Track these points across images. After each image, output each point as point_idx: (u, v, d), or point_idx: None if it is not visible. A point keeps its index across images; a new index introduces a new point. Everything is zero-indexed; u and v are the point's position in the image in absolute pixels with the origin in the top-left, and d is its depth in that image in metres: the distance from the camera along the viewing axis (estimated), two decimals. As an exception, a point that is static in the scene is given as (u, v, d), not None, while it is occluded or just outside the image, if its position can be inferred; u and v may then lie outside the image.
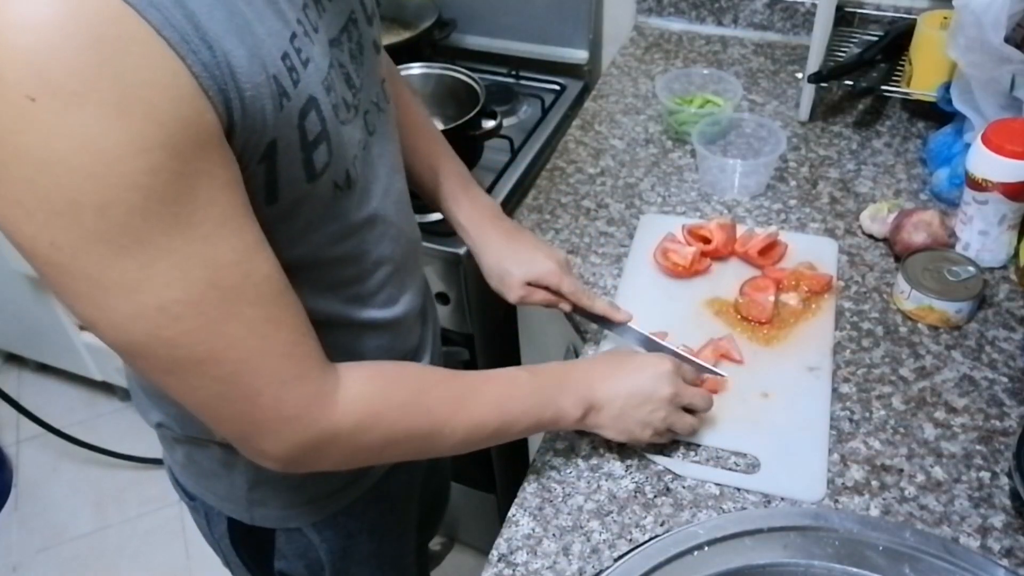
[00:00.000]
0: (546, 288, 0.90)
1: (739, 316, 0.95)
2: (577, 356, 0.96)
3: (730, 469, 0.81)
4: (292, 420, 0.57)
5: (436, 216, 1.19)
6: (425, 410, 0.66)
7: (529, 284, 0.89)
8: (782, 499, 0.78)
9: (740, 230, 1.05)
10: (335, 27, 0.61)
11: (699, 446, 0.83)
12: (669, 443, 0.82)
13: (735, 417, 0.85)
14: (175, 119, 0.45)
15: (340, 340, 0.66)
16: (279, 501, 0.79)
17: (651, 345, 0.88)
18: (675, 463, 0.81)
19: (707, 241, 1.03)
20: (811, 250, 1.03)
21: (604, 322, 0.91)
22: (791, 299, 0.96)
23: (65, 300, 0.50)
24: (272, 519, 0.80)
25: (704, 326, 0.95)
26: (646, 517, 0.78)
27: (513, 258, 0.89)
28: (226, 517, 0.82)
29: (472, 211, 0.91)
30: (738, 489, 0.79)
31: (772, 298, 0.94)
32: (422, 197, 0.92)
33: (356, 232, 0.67)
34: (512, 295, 0.90)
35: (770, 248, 1.02)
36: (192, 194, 0.47)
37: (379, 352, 0.75)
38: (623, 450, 0.83)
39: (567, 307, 0.91)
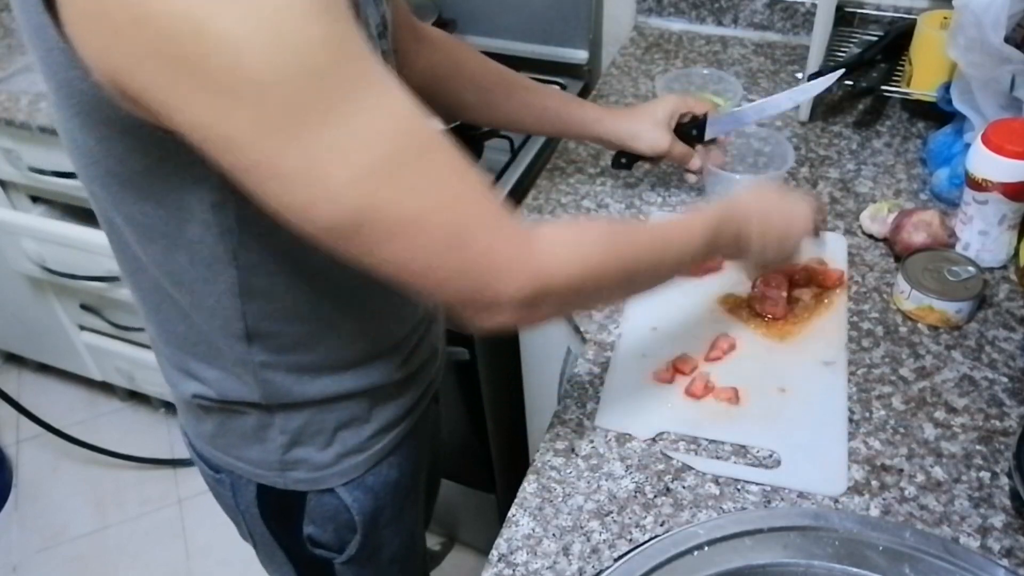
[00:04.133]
0: (688, 115, 1.04)
1: (753, 312, 0.96)
2: (577, 357, 0.96)
3: (751, 465, 0.81)
4: (515, 254, 0.58)
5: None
6: (625, 241, 0.68)
7: (668, 125, 1.03)
8: (799, 494, 0.78)
9: None
10: None
11: (719, 442, 0.83)
12: (689, 440, 0.82)
13: (753, 413, 0.85)
14: None
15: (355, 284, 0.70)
16: (312, 462, 0.80)
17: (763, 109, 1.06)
18: (696, 460, 0.81)
19: None
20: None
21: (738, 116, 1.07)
22: (804, 295, 0.97)
23: (281, 190, 0.51)
24: (305, 482, 0.81)
25: (718, 322, 0.95)
26: (646, 517, 0.78)
27: (646, 117, 1.04)
28: (255, 485, 0.83)
29: (594, 109, 1.05)
30: (745, 485, 0.79)
31: (785, 294, 0.95)
32: (533, 128, 1.07)
33: None
34: (664, 141, 1.03)
35: None
36: (361, 52, 0.51)
37: (390, 308, 0.79)
38: (623, 450, 0.83)
39: (697, 164, 1.06)
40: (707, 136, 1.05)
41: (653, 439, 0.84)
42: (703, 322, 0.96)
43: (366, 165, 0.51)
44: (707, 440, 0.83)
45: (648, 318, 0.96)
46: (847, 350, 0.92)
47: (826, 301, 0.97)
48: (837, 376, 0.89)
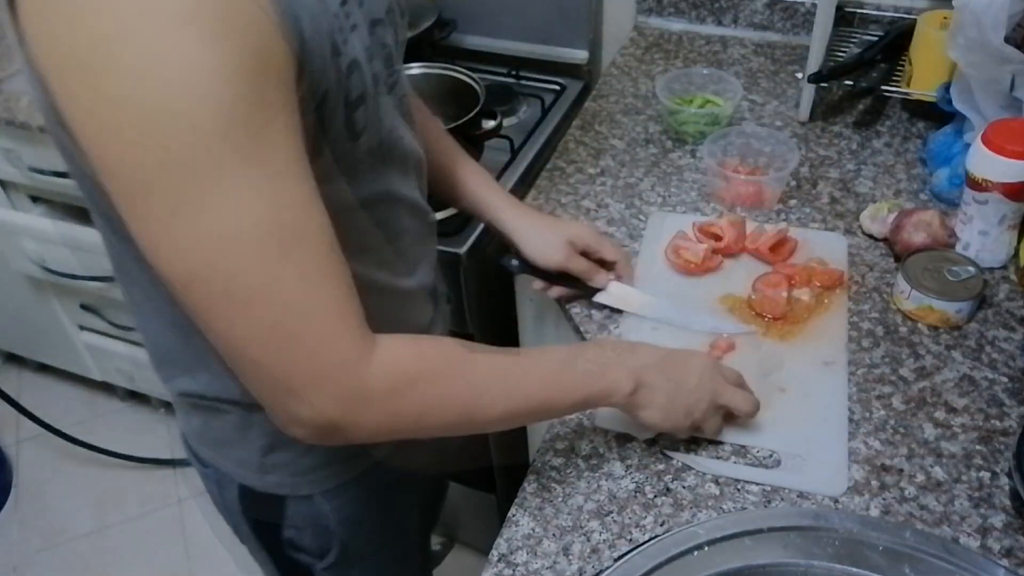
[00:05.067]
0: (584, 255, 0.94)
1: (753, 312, 0.96)
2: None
3: (751, 465, 0.81)
4: (328, 377, 0.57)
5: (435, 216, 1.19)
6: (464, 377, 0.66)
7: (569, 244, 0.93)
8: (799, 494, 0.78)
9: (750, 227, 1.05)
10: (381, 8, 0.64)
11: (720, 443, 0.83)
12: (689, 439, 0.83)
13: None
14: (261, 50, 0.48)
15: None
16: (292, 468, 0.80)
17: (686, 317, 0.95)
18: (696, 460, 0.81)
19: (718, 238, 1.03)
20: (821, 246, 1.04)
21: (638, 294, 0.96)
22: (804, 295, 0.97)
23: (137, 224, 0.52)
24: (284, 486, 0.81)
25: (718, 322, 0.95)
26: (646, 517, 0.78)
27: (549, 224, 0.95)
28: (238, 484, 0.82)
29: (503, 197, 0.96)
30: (746, 485, 0.79)
31: (785, 294, 0.95)
32: (442, 195, 0.95)
33: (384, 200, 0.69)
34: (557, 255, 0.93)
35: (780, 244, 1.02)
36: (267, 128, 0.50)
37: (391, 320, 0.76)
38: (623, 450, 0.83)
39: (603, 280, 0.95)
40: (599, 299, 0.96)
41: (653, 439, 0.84)
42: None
43: (218, 233, 0.50)
44: (707, 440, 0.83)
45: (648, 318, 0.96)
46: (847, 350, 0.92)
47: (826, 301, 0.97)
48: (837, 376, 0.89)
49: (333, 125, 0.57)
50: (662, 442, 0.83)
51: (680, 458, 0.82)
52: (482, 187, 0.95)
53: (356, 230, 0.67)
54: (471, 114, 1.24)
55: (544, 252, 0.93)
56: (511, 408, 0.68)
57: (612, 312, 0.98)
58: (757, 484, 0.79)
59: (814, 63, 1.20)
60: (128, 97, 0.46)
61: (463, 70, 1.35)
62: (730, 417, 0.81)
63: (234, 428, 0.78)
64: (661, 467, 0.82)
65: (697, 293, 0.99)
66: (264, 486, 0.81)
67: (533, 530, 0.77)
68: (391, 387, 0.61)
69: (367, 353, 0.59)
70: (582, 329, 0.97)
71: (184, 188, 0.49)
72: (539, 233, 0.93)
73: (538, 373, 0.71)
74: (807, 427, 0.84)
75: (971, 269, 0.94)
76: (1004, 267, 1.00)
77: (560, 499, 0.80)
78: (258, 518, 0.86)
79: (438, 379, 0.64)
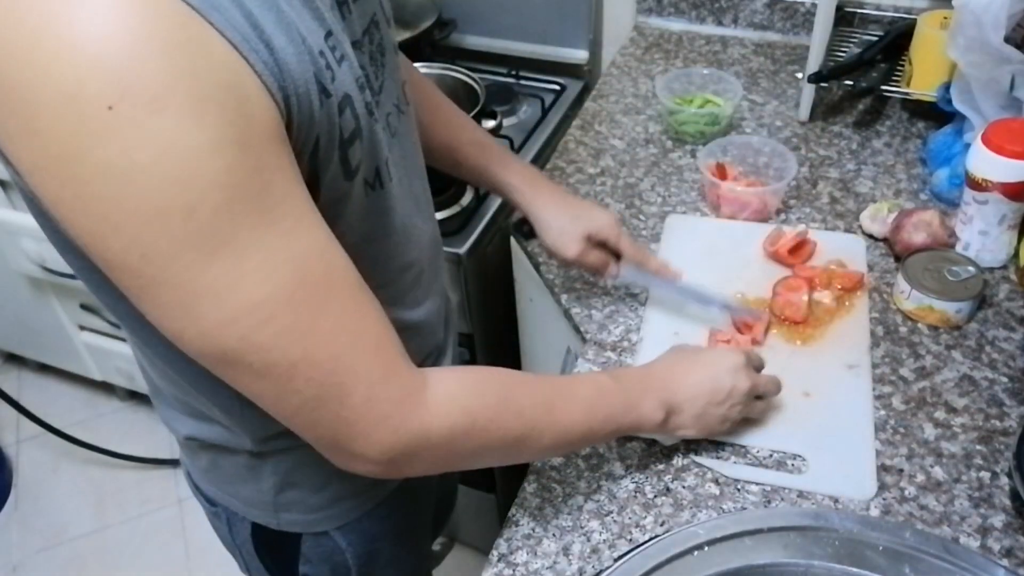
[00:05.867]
0: (601, 246, 0.93)
1: (774, 316, 0.95)
2: (577, 357, 0.96)
3: (777, 470, 0.81)
4: (385, 420, 0.57)
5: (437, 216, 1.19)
6: (516, 412, 0.65)
7: (587, 239, 0.92)
8: (831, 498, 0.78)
9: (767, 229, 1.05)
10: (358, 30, 0.61)
11: (745, 448, 0.83)
12: (706, 442, 0.83)
13: (778, 418, 0.85)
14: (245, 116, 0.45)
15: None
16: (306, 505, 0.78)
17: (701, 297, 0.95)
18: (724, 465, 0.81)
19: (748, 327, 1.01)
20: (839, 247, 1.04)
21: (654, 280, 0.96)
22: (824, 297, 0.96)
23: (154, 314, 0.50)
24: (299, 524, 0.80)
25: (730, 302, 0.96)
26: (646, 517, 0.78)
27: (571, 213, 0.93)
28: (250, 522, 0.81)
29: (524, 171, 0.95)
30: (746, 485, 0.79)
31: (805, 297, 0.94)
32: (462, 171, 0.95)
33: (386, 235, 0.67)
34: (571, 250, 0.92)
35: (800, 247, 1.02)
36: (269, 189, 0.48)
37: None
38: (623, 450, 0.83)
39: (615, 271, 0.95)
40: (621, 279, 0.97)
41: (651, 441, 0.84)
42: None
43: (245, 307, 0.48)
44: (734, 445, 0.83)
45: (670, 324, 0.96)
46: (871, 353, 0.91)
47: (847, 304, 0.96)
48: (861, 379, 0.88)
49: (329, 168, 0.55)
50: (685, 447, 0.83)
51: (711, 464, 0.81)
52: (495, 163, 0.93)
53: (360, 271, 0.66)
54: (471, 114, 1.24)
55: (559, 245, 0.93)
56: (557, 440, 0.68)
57: (613, 312, 0.98)
58: (789, 489, 0.79)
59: (814, 63, 1.20)
60: (118, 195, 0.44)
61: (463, 70, 1.35)
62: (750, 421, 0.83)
63: (245, 466, 0.76)
64: (661, 467, 0.82)
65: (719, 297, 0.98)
66: (278, 524, 0.80)
67: (533, 530, 0.77)
68: (451, 428, 0.60)
69: (421, 390, 0.59)
70: (582, 329, 0.97)
71: (199, 273, 0.47)
72: (558, 223, 0.92)
73: (578, 404, 0.70)
74: (833, 431, 0.83)
75: (971, 269, 0.94)
76: (1004, 267, 1.00)
77: (560, 499, 0.80)
78: (273, 555, 0.84)
79: (495, 417, 0.63)
